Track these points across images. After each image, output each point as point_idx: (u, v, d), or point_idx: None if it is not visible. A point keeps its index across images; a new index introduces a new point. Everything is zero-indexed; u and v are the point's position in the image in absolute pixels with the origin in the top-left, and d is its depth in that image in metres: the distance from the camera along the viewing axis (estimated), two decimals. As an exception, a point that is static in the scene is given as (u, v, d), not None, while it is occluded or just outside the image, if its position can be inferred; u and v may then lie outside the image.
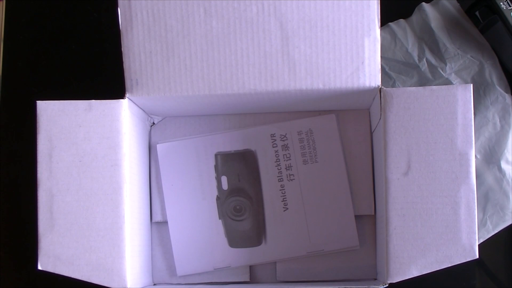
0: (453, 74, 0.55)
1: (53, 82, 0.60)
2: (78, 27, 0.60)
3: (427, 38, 0.56)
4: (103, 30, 0.60)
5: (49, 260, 0.44)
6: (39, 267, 0.44)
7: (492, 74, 0.55)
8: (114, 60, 0.49)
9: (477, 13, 0.55)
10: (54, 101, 0.45)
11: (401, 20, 0.57)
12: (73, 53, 0.60)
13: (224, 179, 0.53)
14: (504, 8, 0.54)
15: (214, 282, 0.53)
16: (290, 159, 0.53)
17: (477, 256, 0.43)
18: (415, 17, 0.56)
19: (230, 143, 0.53)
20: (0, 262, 0.58)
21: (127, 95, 0.46)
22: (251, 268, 0.53)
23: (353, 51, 0.45)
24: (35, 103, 0.45)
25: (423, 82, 0.55)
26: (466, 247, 0.43)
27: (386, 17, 0.55)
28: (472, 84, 0.44)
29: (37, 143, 0.45)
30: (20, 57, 0.61)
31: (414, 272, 0.43)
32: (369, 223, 0.53)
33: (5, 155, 0.59)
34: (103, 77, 0.59)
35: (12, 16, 0.61)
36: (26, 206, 0.57)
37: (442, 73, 0.55)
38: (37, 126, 0.45)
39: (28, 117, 0.49)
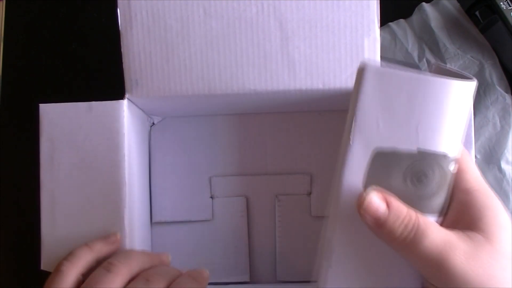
0: (453, 74, 0.55)
1: (53, 82, 0.60)
2: (78, 27, 0.60)
3: (427, 38, 0.56)
4: (103, 30, 0.60)
5: (51, 260, 0.44)
6: (42, 268, 0.44)
7: (492, 74, 0.55)
8: (114, 60, 0.49)
9: (477, 13, 0.55)
10: (55, 104, 0.45)
11: (401, 20, 0.57)
12: (73, 53, 0.60)
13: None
14: (504, 8, 0.54)
15: (214, 282, 0.53)
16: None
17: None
18: (415, 17, 0.56)
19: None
20: (3, 263, 0.58)
21: (126, 95, 0.46)
22: (251, 268, 0.53)
23: (353, 52, 0.45)
24: (38, 106, 0.45)
25: (423, 81, 0.55)
26: (466, 246, 0.43)
27: (386, 17, 0.55)
28: (472, 84, 0.44)
29: (39, 145, 0.45)
30: (20, 57, 0.61)
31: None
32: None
33: (7, 155, 0.59)
34: (103, 77, 0.59)
35: (12, 16, 0.61)
36: (28, 207, 0.57)
37: (442, 73, 0.55)
38: (40, 129, 0.45)
39: (28, 117, 0.49)
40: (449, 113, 0.31)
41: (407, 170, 0.31)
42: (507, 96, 0.54)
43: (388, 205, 0.32)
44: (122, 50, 0.46)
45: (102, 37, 0.60)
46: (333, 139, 0.53)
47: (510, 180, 0.54)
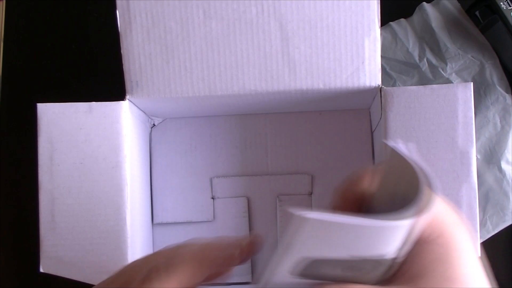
0: (453, 74, 0.55)
1: (53, 83, 0.60)
2: (78, 27, 0.60)
3: (428, 38, 0.56)
4: (103, 30, 0.60)
5: (51, 262, 0.44)
6: (41, 270, 0.44)
7: (493, 74, 0.55)
8: (115, 61, 0.48)
9: (477, 13, 0.55)
10: (54, 104, 0.45)
11: (402, 20, 0.56)
12: (73, 54, 0.60)
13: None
14: (504, 8, 0.54)
15: (216, 283, 0.53)
16: None
17: (479, 255, 0.43)
18: (416, 16, 0.56)
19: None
20: (2, 264, 0.58)
21: (127, 96, 0.46)
22: (253, 268, 0.53)
23: (353, 51, 0.45)
24: (35, 106, 0.45)
25: (423, 82, 0.55)
26: (468, 246, 0.43)
27: (387, 17, 0.55)
28: (472, 83, 0.44)
29: (38, 146, 0.45)
30: (20, 57, 0.61)
31: (416, 272, 0.43)
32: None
33: (6, 156, 0.59)
34: (103, 77, 0.59)
35: (12, 16, 0.61)
36: (27, 208, 0.57)
37: (443, 73, 0.55)
38: (38, 129, 0.45)
39: (28, 118, 0.49)
40: (387, 242, 0.27)
41: (342, 265, 0.28)
42: (508, 96, 0.54)
43: None
44: (122, 52, 0.46)
45: (102, 37, 0.60)
46: (333, 139, 0.53)
47: (510, 180, 0.54)
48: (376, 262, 0.29)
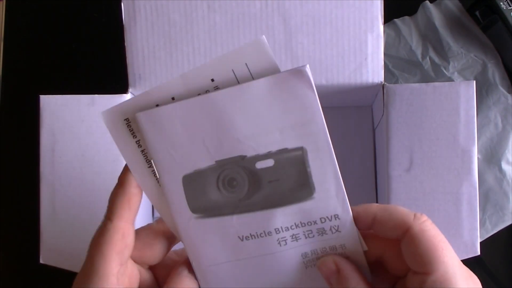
0: (456, 73, 0.55)
1: (53, 82, 0.60)
2: (78, 27, 0.60)
3: (431, 37, 0.56)
4: (103, 29, 0.60)
5: (50, 254, 0.44)
6: (41, 261, 0.44)
7: (495, 74, 0.55)
8: (115, 60, 0.49)
9: (477, 13, 0.56)
10: (57, 96, 0.45)
11: (406, 17, 0.57)
12: (73, 52, 0.60)
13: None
14: (504, 8, 0.54)
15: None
16: None
17: (479, 253, 0.43)
18: (420, 15, 0.56)
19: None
20: (2, 263, 0.57)
21: (130, 90, 0.46)
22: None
23: (356, 47, 0.46)
24: (39, 97, 0.45)
25: (425, 80, 0.55)
26: (468, 243, 0.43)
27: (391, 14, 0.55)
28: (474, 81, 0.44)
29: (40, 137, 0.45)
30: (20, 57, 0.61)
31: (417, 269, 0.43)
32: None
33: (7, 149, 0.59)
34: (105, 73, 0.59)
35: (12, 16, 0.61)
36: (28, 200, 0.57)
37: (445, 72, 0.55)
38: (40, 121, 0.45)
39: (29, 117, 0.48)
40: (223, 121, 0.31)
41: (217, 181, 0.32)
42: (509, 96, 0.55)
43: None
44: (125, 44, 0.46)
45: (102, 37, 0.60)
46: (335, 136, 0.53)
47: (510, 181, 0.54)
48: (245, 169, 0.33)
